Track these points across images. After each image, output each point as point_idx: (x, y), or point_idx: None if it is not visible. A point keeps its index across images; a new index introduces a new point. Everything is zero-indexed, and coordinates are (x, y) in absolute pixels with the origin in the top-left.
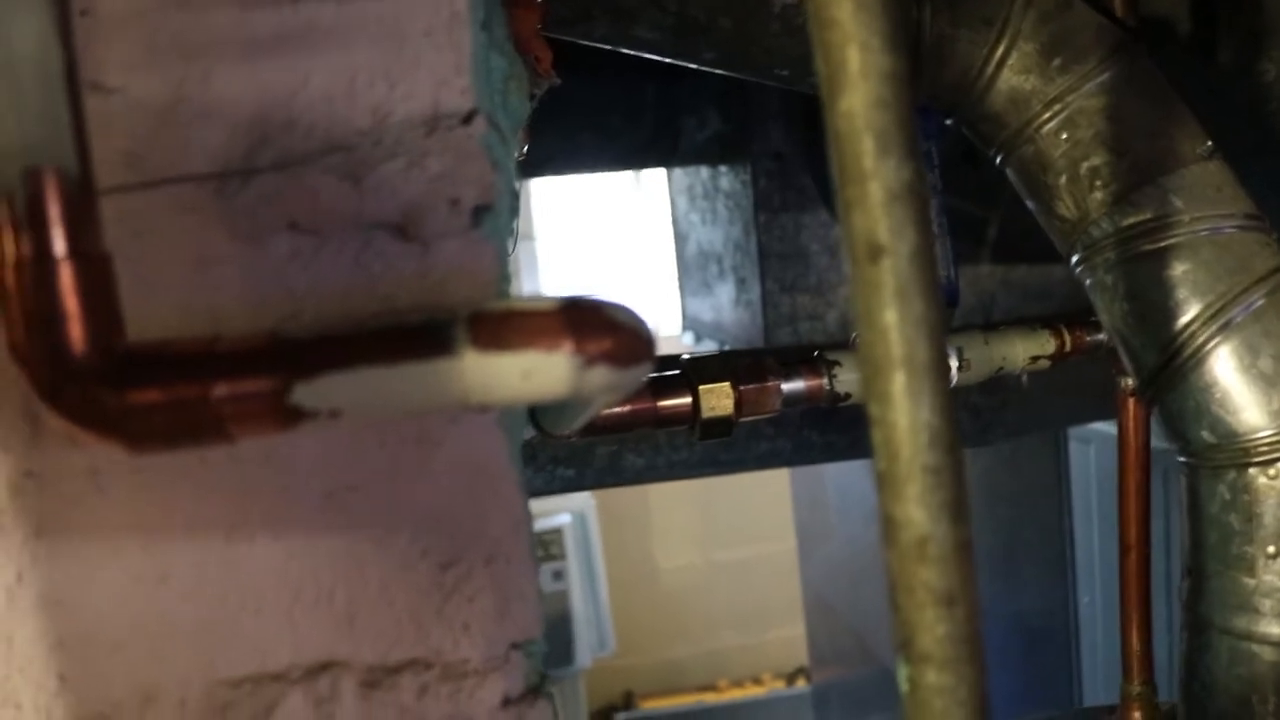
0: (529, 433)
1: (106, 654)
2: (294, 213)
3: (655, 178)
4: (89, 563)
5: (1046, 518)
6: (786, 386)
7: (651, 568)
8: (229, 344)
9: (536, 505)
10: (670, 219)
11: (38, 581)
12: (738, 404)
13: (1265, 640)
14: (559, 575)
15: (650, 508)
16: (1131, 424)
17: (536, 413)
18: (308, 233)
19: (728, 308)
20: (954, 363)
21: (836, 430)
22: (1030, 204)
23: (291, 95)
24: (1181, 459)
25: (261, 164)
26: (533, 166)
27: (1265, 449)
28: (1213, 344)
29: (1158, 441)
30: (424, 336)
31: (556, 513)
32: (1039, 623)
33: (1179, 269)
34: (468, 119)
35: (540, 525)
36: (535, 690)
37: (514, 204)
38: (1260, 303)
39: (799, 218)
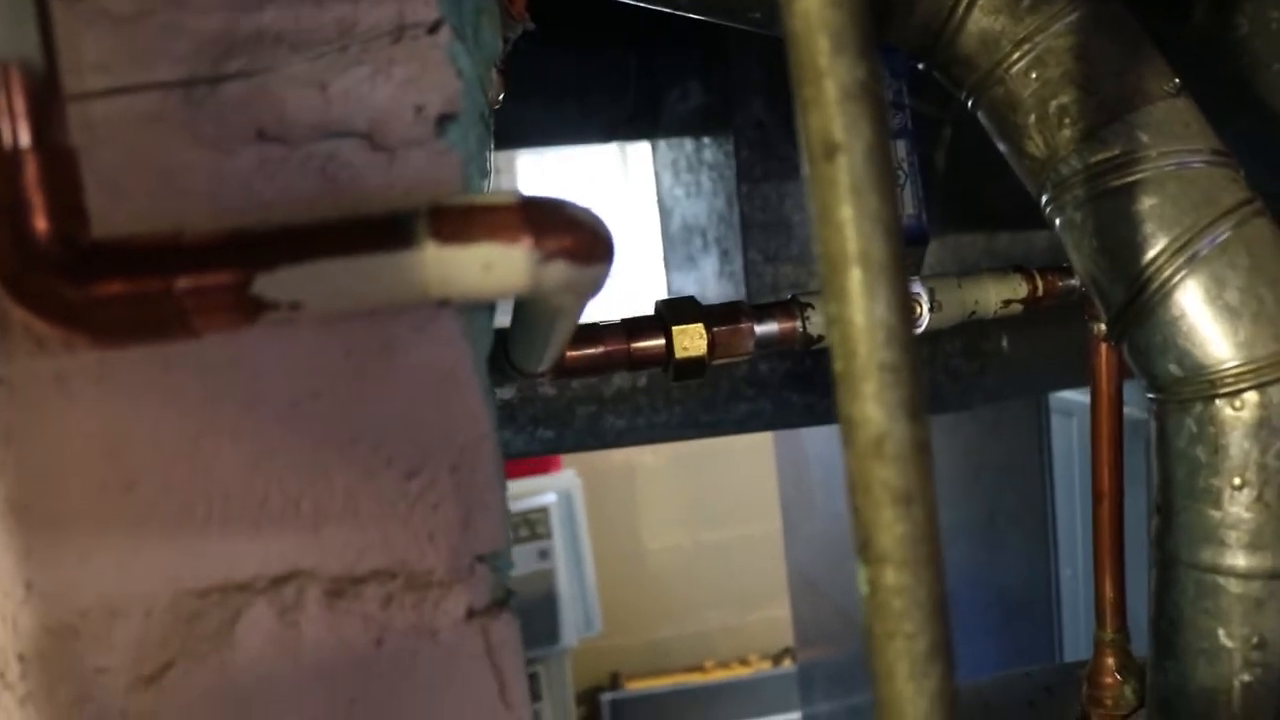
0: (508, 392)
1: (74, 563)
2: (261, 121)
3: (641, 154)
4: (56, 470)
5: (1029, 489)
6: (760, 328)
7: (638, 548)
8: (192, 238)
9: (521, 485)
10: (655, 194)
11: (5, 488)
12: (711, 345)
13: (1231, 572)
14: (544, 554)
15: (637, 488)
16: (1104, 369)
17: (508, 344)
18: (275, 141)
19: (712, 280)
20: (925, 304)
21: (817, 392)
22: (1001, 146)
23: (259, 5)
24: (1150, 396)
25: (229, 72)
26: (514, 138)
27: (1231, 380)
28: (1179, 277)
29: (1140, 411)
30: (385, 229)
31: (542, 492)
32: (1020, 593)
33: (1146, 203)
34: (433, 29)
35: (525, 504)
36: (501, 604)
37: (486, 134)
38: (1226, 235)
39: (781, 187)
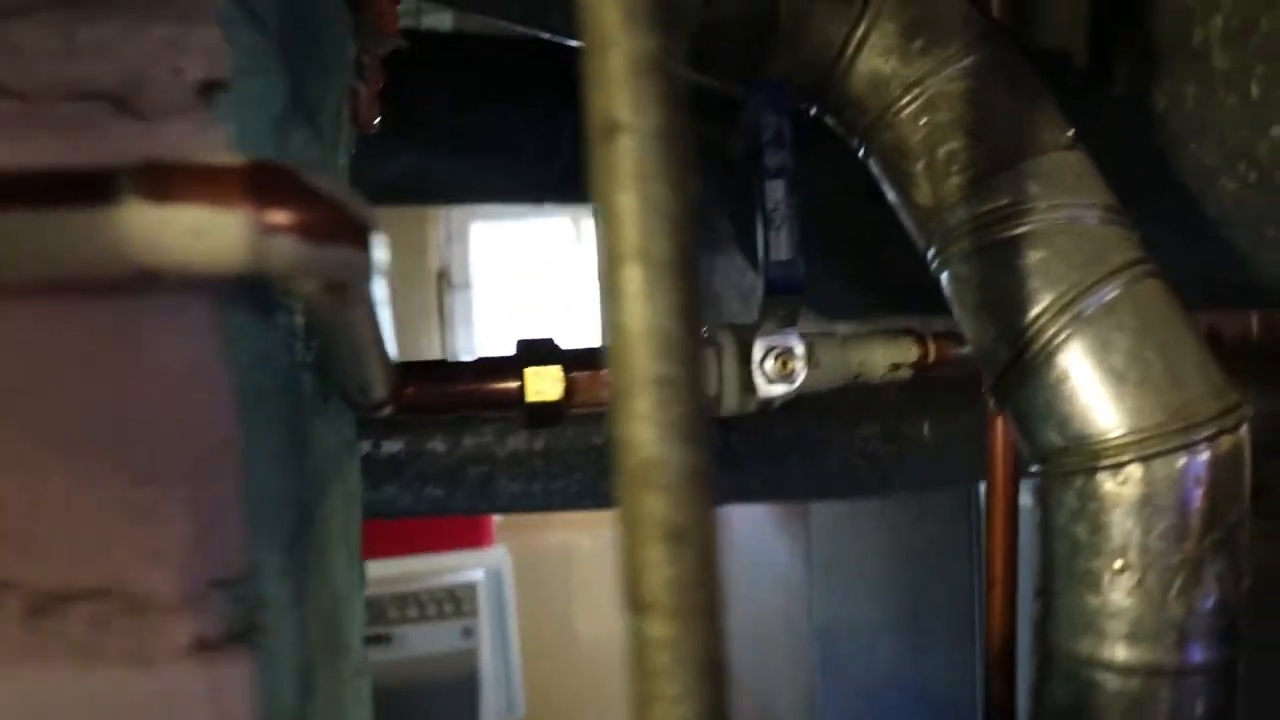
0: (395, 445)
1: None
2: None
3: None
4: None
5: (957, 582)
6: None
7: (569, 632)
8: None
9: (449, 560)
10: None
11: None
12: (569, 391)
13: (1109, 666)
14: (469, 633)
15: (571, 570)
16: (999, 444)
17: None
18: (13, 97)
19: None
20: (799, 359)
21: (723, 469)
22: (891, 196)
23: None
24: (1032, 468)
25: None
26: (443, 193)
27: (1114, 451)
28: (1063, 337)
29: None
30: (83, 182)
31: (470, 568)
32: (946, 690)
33: (1032, 257)
34: None
35: (452, 579)
36: (240, 639)
37: (313, 137)
38: (1115, 294)
39: (712, 260)
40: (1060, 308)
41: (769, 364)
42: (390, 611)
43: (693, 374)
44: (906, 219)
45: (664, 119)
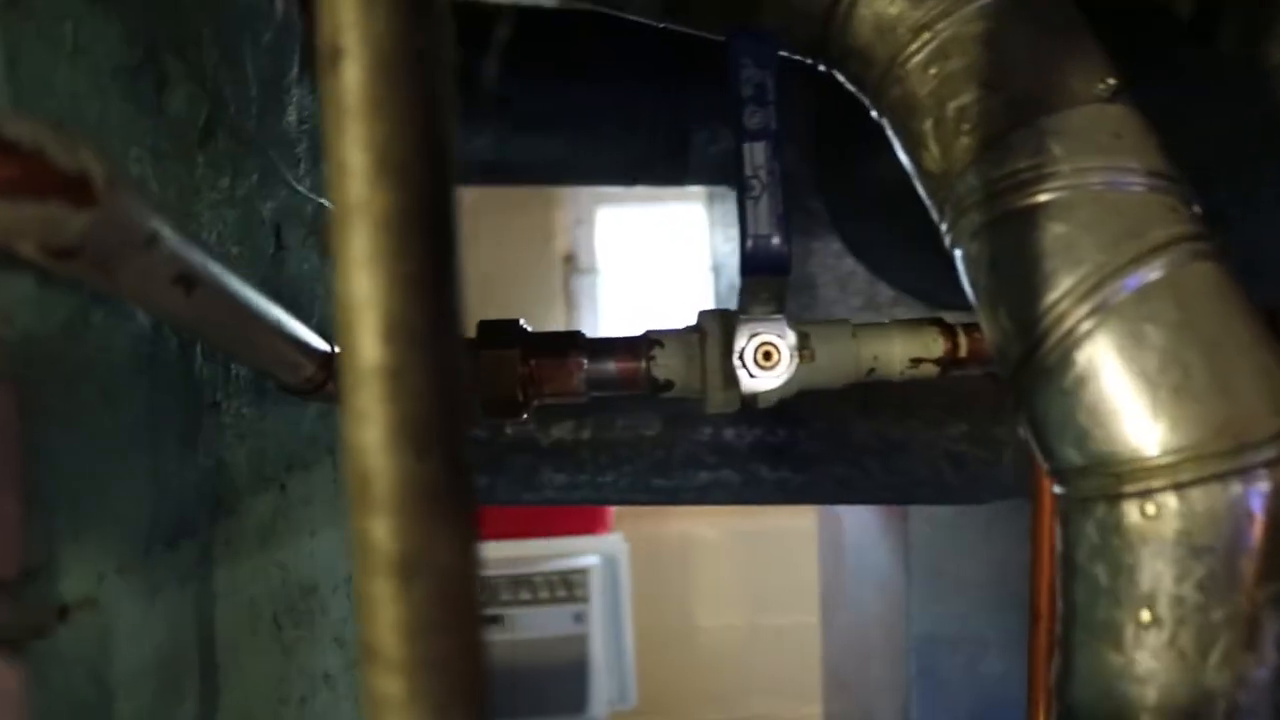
0: None
1: None
2: None
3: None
4: None
5: None
6: (592, 365)
7: (687, 624)
8: None
9: (562, 544)
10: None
11: None
12: (527, 379)
13: None
14: (580, 618)
15: (691, 562)
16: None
17: None
18: None
19: None
20: (786, 350)
21: (790, 466)
22: (905, 163)
23: None
24: (1055, 489)
25: None
26: (527, 173)
27: (1142, 475)
28: (1084, 330)
29: None
30: None
31: (585, 553)
32: None
33: (1051, 231)
34: None
35: (564, 564)
36: (9, 645)
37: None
38: (1152, 278)
39: (807, 244)
40: (1082, 294)
41: (750, 355)
42: (503, 593)
43: (431, 362)
44: (920, 188)
45: (399, 42)
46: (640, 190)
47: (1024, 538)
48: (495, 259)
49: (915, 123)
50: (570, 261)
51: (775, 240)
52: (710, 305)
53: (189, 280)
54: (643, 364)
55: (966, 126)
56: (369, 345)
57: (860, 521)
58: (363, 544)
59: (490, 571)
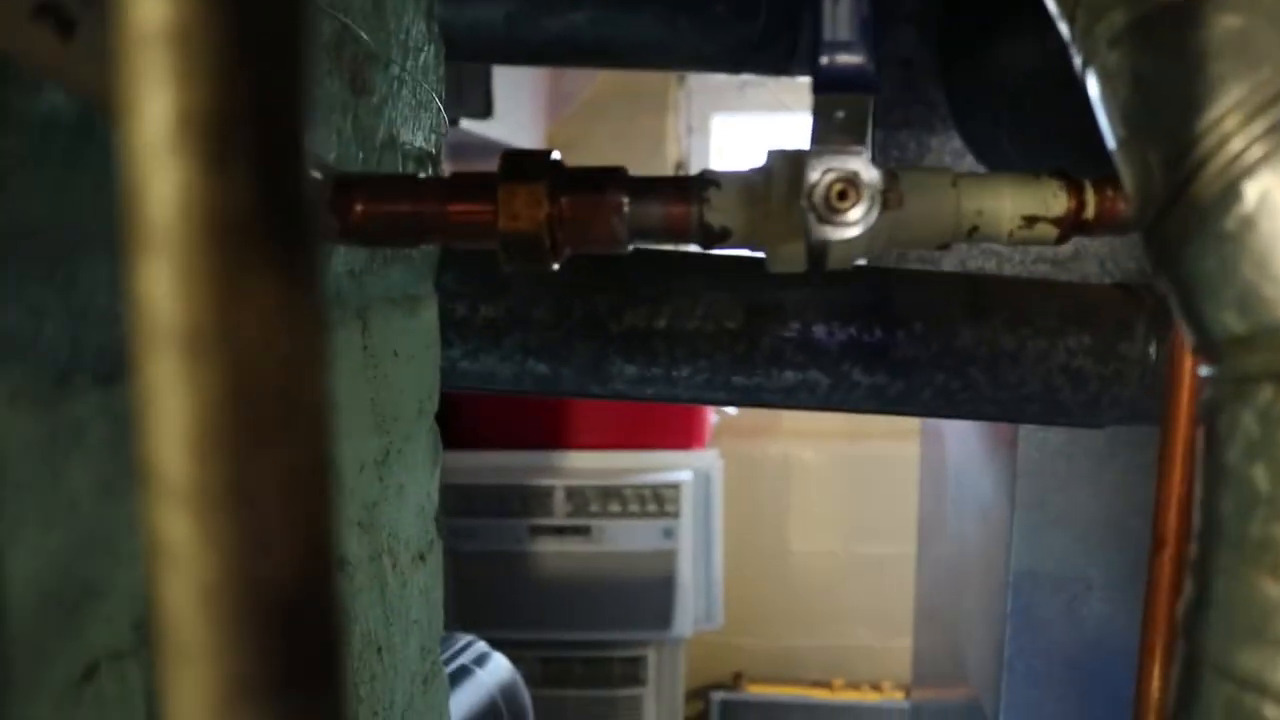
0: (493, 310)
1: None
2: None
3: None
4: None
5: None
6: (635, 206)
7: (781, 547)
8: None
9: (656, 458)
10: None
11: None
12: (555, 219)
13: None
14: (669, 533)
15: (791, 482)
16: (1183, 356)
17: None
18: None
19: None
20: (867, 193)
21: (887, 371)
22: None
23: None
24: (1201, 372)
25: None
26: (619, 54)
27: None
28: (1257, 153)
29: None
30: None
31: (678, 468)
32: None
33: (1222, 24)
34: None
35: (656, 479)
36: None
37: None
38: None
39: (924, 138)
40: (1257, 105)
41: (821, 193)
42: (592, 504)
43: (238, 22)
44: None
45: None
46: (754, 98)
47: (1143, 471)
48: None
49: None
50: (681, 169)
51: (857, 52)
52: None
53: (60, 16)
54: (695, 207)
55: None
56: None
57: (966, 446)
58: (134, 302)
59: (580, 481)
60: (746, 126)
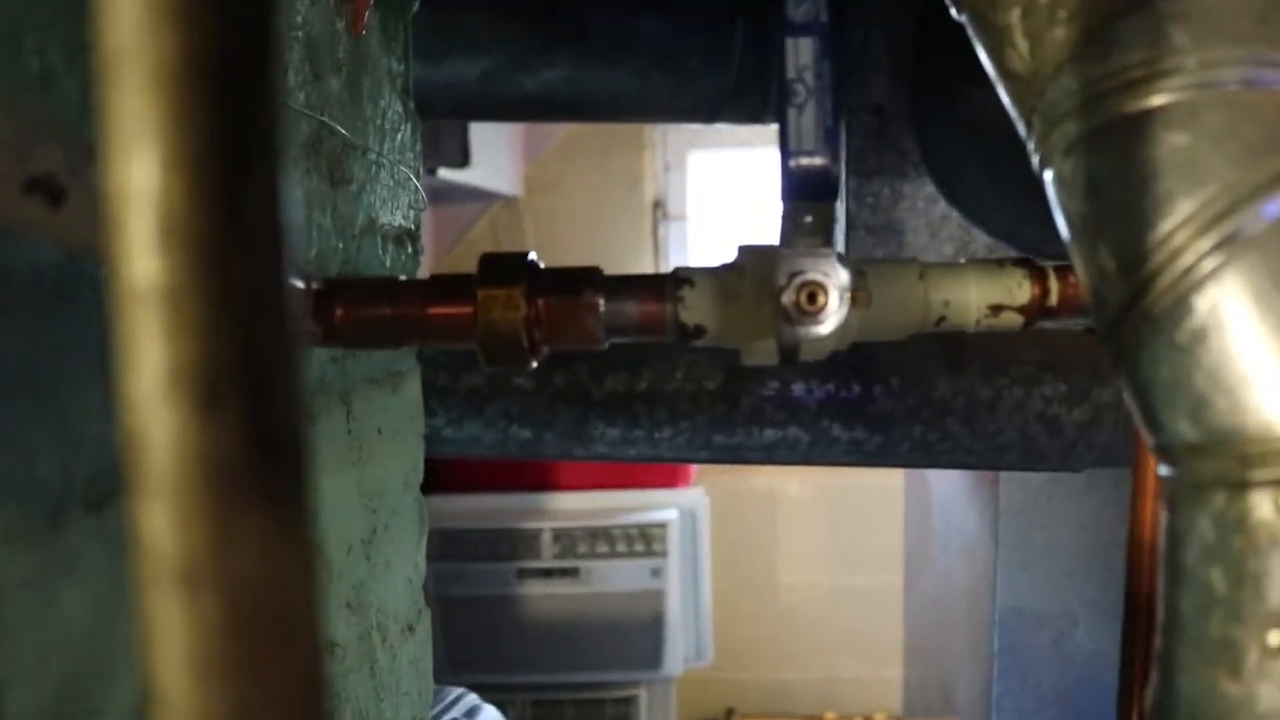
0: (477, 379)
1: None
2: None
3: None
4: None
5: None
6: (610, 306)
7: (769, 580)
8: None
9: (641, 497)
10: None
11: None
12: (532, 320)
13: None
14: (657, 573)
15: (774, 517)
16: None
17: None
18: None
19: None
20: (834, 290)
21: (865, 426)
22: (985, 65)
23: None
24: (1160, 470)
25: None
26: (598, 108)
27: (1278, 459)
28: (1207, 267)
29: None
30: None
31: (664, 506)
32: None
33: (1169, 142)
34: None
35: (642, 518)
36: None
37: None
38: None
39: (897, 185)
40: (1205, 222)
41: (791, 296)
42: (580, 545)
43: (225, 281)
44: (1004, 96)
45: None
46: (730, 135)
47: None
48: (582, 204)
49: (999, 14)
50: (659, 207)
51: (821, 159)
52: None
53: (51, 188)
54: (669, 306)
55: (1063, 14)
56: (140, 254)
57: (948, 483)
58: (136, 539)
59: (567, 523)
60: (723, 162)
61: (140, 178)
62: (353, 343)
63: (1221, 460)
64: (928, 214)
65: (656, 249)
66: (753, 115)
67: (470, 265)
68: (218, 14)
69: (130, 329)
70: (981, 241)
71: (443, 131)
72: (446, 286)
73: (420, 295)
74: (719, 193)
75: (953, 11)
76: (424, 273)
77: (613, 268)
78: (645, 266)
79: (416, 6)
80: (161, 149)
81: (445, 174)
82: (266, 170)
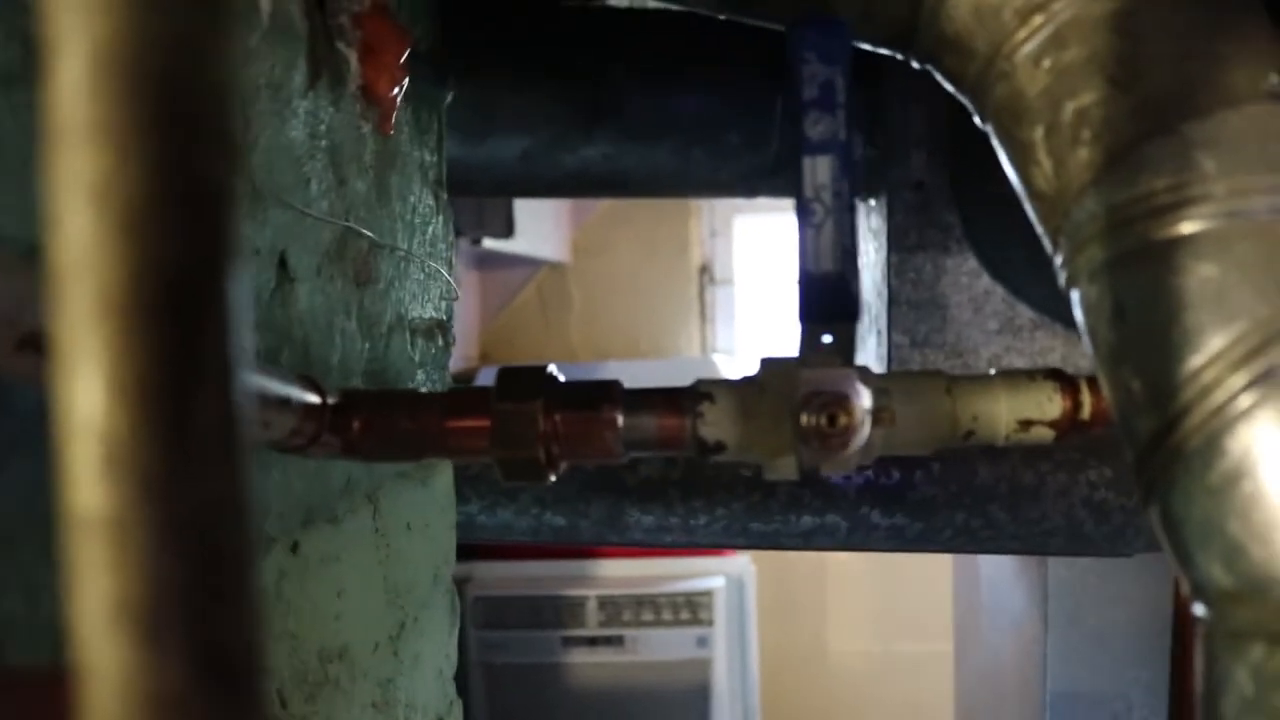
0: None
1: None
2: None
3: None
4: None
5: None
6: (629, 421)
7: (819, 649)
8: None
9: (688, 564)
10: None
11: None
12: (549, 436)
13: None
14: (703, 641)
15: (826, 583)
16: None
17: None
18: None
19: (873, 366)
20: (861, 408)
21: (905, 513)
22: (1012, 179)
23: None
24: (1196, 610)
25: None
26: (637, 184)
27: None
28: (1240, 406)
29: None
30: None
31: (710, 574)
32: None
33: (1198, 273)
34: None
35: (688, 586)
36: None
37: None
38: None
39: (939, 260)
40: (1237, 359)
41: (809, 419)
42: (625, 613)
43: (173, 516)
44: (1031, 213)
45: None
46: (776, 200)
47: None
48: (629, 269)
49: (1023, 130)
50: (706, 272)
51: (839, 278)
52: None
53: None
54: (689, 420)
55: (1087, 134)
56: (85, 484)
57: (994, 558)
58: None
59: (613, 591)
60: (769, 226)
61: (85, 406)
62: (371, 455)
63: (1258, 610)
64: (971, 289)
65: (703, 314)
66: (793, 190)
67: (518, 331)
68: (172, 224)
69: (76, 559)
70: (1026, 316)
71: (486, 204)
72: (465, 401)
73: (439, 409)
74: (766, 257)
75: (977, 120)
76: (471, 335)
77: (660, 332)
78: (692, 332)
79: (450, 98)
80: (105, 376)
81: (491, 244)
82: (218, 387)
